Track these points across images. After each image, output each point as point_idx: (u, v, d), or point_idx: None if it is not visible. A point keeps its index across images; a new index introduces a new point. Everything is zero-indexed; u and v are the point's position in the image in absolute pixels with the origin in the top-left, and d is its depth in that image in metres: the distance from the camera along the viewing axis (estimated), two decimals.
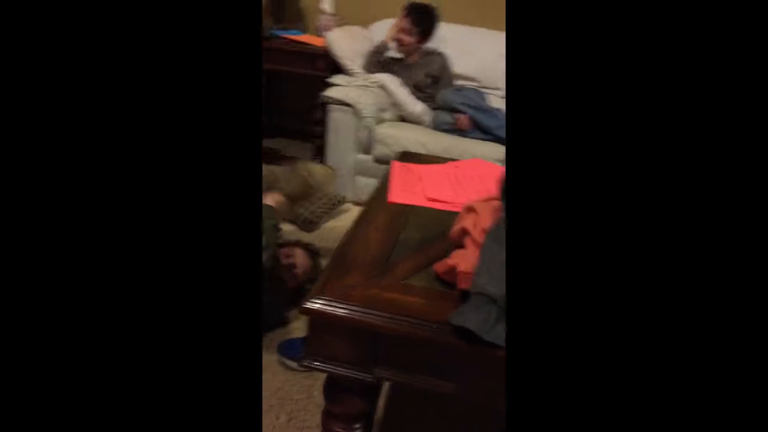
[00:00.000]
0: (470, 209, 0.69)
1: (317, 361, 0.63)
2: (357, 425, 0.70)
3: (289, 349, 1.09)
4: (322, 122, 2.11)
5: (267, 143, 2.52)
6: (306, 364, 0.63)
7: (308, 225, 1.72)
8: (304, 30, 2.42)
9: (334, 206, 1.82)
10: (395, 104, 1.96)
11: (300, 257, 1.27)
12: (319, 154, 2.22)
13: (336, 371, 0.62)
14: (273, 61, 2.13)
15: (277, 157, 2.35)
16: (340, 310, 0.58)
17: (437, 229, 0.77)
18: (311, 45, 2.09)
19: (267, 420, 0.93)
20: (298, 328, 1.21)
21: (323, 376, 1.08)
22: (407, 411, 1.01)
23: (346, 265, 0.68)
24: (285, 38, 2.13)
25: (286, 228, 1.70)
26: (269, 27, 2.30)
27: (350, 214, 1.88)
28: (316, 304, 0.59)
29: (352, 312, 0.58)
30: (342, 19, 2.29)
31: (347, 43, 2.02)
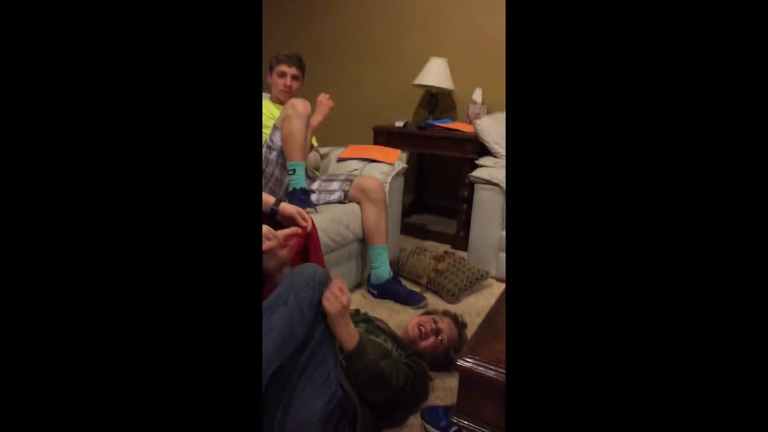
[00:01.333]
0: None
1: (465, 420, 0.66)
2: None
3: (432, 416, 1.12)
4: (467, 200, 2.23)
5: (415, 219, 2.73)
6: (455, 421, 0.67)
7: (451, 297, 1.78)
8: (454, 118, 2.67)
9: (477, 280, 1.86)
10: None
11: (447, 325, 1.32)
12: (464, 229, 2.32)
13: None
14: (427, 146, 2.37)
15: (423, 231, 2.52)
16: (490, 371, 0.62)
17: None
18: (461, 131, 2.29)
19: None
20: (440, 396, 1.24)
21: None
22: None
23: (496, 332, 0.72)
24: (438, 126, 2.38)
25: (431, 298, 1.79)
26: (425, 117, 2.60)
27: (492, 290, 1.89)
28: (468, 363, 0.64)
29: (502, 374, 0.62)
30: (490, 107, 2.48)
31: (494, 129, 2.16)
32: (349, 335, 0.99)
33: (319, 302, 0.96)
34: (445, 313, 1.39)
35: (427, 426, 1.11)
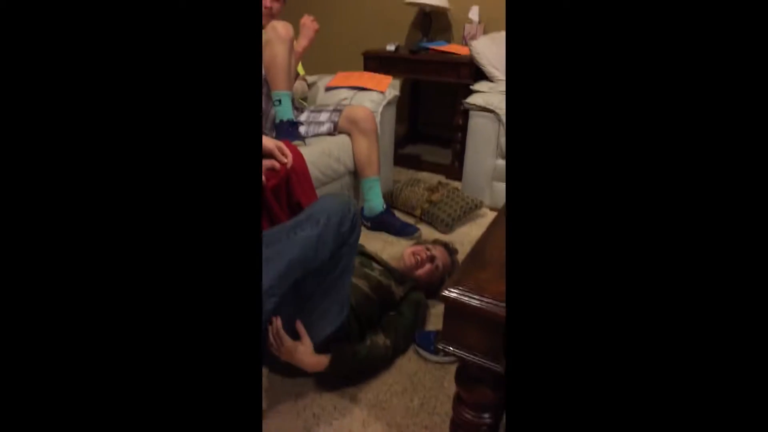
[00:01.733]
0: None
1: (451, 347, 0.68)
2: (486, 414, 0.74)
3: (424, 341, 1.17)
4: (463, 128, 2.17)
5: (409, 149, 2.68)
6: (440, 347, 0.69)
7: (445, 227, 1.79)
8: (449, 40, 2.51)
9: (470, 210, 1.86)
10: None
11: (440, 252, 1.34)
12: (458, 159, 2.27)
13: (467, 358, 0.67)
14: (420, 72, 2.25)
15: (417, 162, 2.48)
16: (474, 301, 0.63)
17: None
18: (456, 54, 2.16)
19: (402, 401, 1.02)
20: (432, 322, 1.28)
21: (454, 368, 1.12)
22: None
23: (482, 261, 0.72)
24: (432, 49, 2.25)
25: (425, 229, 1.80)
26: (418, 40, 2.45)
27: (486, 219, 1.89)
28: (452, 293, 0.64)
29: (486, 304, 0.62)
30: (487, 27, 2.32)
31: (491, 51, 2.04)
32: (314, 365, 0.99)
33: (347, 232, 0.98)
34: (436, 242, 1.41)
35: (418, 349, 1.16)
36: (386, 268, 1.25)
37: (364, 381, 1.06)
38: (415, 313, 1.19)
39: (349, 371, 1.03)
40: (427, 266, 1.29)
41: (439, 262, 1.32)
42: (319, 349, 1.00)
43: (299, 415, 0.98)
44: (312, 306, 0.99)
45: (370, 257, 1.28)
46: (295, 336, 0.99)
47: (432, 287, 1.31)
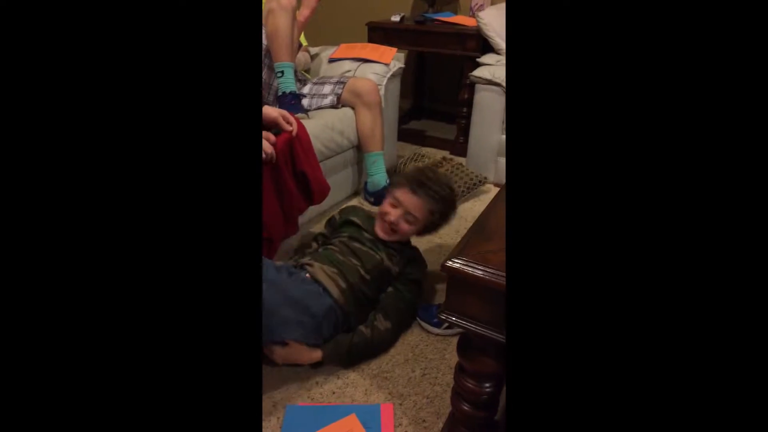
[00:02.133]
0: None
1: (453, 317, 0.68)
2: (488, 384, 0.75)
3: (426, 314, 1.17)
4: (468, 103, 2.13)
5: (413, 125, 2.64)
6: (443, 317, 0.69)
7: None
8: (456, 11, 2.44)
9: (475, 186, 1.84)
10: None
11: (405, 198, 1.17)
12: (463, 134, 2.24)
13: (470, 328, 0.67)
14: (425, 44, 2.20)
15: (421, 137, 2.45)
16: (478, 271, 0.63)
17: None
18: (463, 25, 2.11)
19: (404, 371, 1.03)
20: (432, 297, 1.29)
21: (455, 340, 1.13)
22: None
23: (486, 233, 0.72)
24: (437, 20, 2.19)
25: None
26: (424, 11, 2.38)
27: (490, 195, 1.88)
28: (456, 264, 0.64)
29: (489, 274, 0.62)
30: None
31: (499, 22, 1.98)
32: (309, 359, 1.02)
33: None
34: (399, 184, 1.19)
35: (421, 322, 1.17)
36: (376, 237, 1.17)
37: (367, 363, 1.07)
38: (412, 292, 1.16)
39: (349, 359, 1.03)
40: (404, 226, 1.15)
41: (411, 212, 1.14)
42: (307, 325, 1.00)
43: (303, 383, 0.99)
44: (270, 312, 0.94)
45: (359, 227, 1.21)
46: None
47: (428, 229, 1.20)
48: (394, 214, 1.15)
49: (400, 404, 0.95)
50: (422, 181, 1.14)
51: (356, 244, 1.16)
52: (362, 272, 1.10)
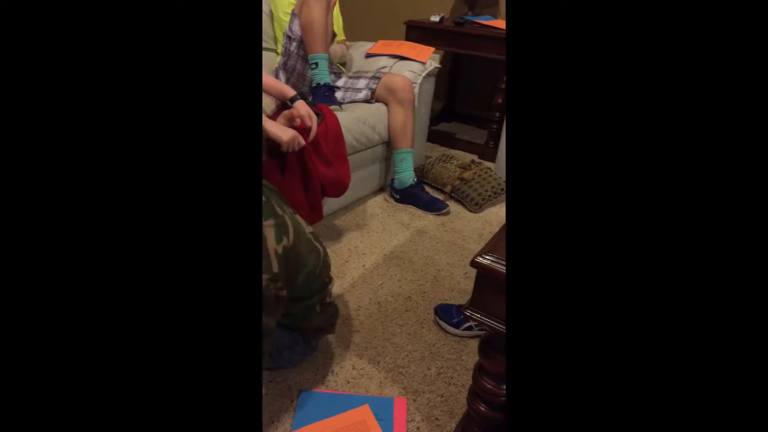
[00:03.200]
0: None
1: (478, 314, 0.68)
2: (506, 386, 0.74)
3: (445, 313, 1.17)
4: (501, 108, 2.11)
5: (443, 126, 2.63)
6: (468, 314, 0.69)
7: (474, 206, 1.76)
8: (495, 15, 2.42)
9: (501, 191, 1.82)
10: None
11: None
12: (494, 139, 2.22)
13: (494, 326, 0.66)
14: (462, 45, 2.19)
15: (451, 139, 2.44)
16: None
17: None
18: (501, 29, 2.09)
19: (419, 368, 1.03)
20: (454, 297, 1.28)
21: (472, 342, 1.12)
22: None
23: None
24: (476, 23, 2.17)
25: (453, 206, 1.78)
26: (463, 13, 2.37)
27: None
28: (486, 260, 0.63)
29: None
30: None
31: None
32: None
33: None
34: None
35: (439, 321, 1.16)
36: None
37: (383, 356, 1.06)
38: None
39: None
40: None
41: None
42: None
43: (318, 370, 1.00)
44: None
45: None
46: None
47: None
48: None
49: (414, 400, 0.95)
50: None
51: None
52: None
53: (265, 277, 0.76)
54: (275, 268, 0.76)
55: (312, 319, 0.92)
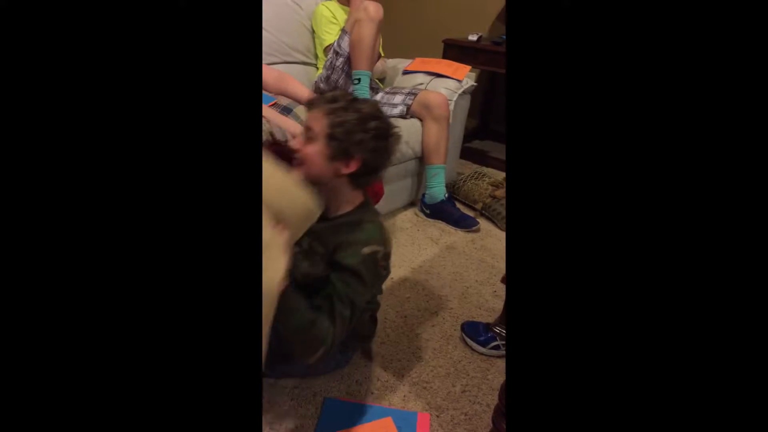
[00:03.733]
0: None
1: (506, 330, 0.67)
2: None
3: (472, 331, 1.15)
4: None
5: (476, 144, 2.63)
6: (497, 330, 0.68)
7: (505, 224, 1.75)
8: None
9: None
10: None
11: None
12: None
13: None
14: (500, 65, 2.20)
15: (483, 157, 2.43)
16: None
17: None
18: None
19: (444, 384, 1.02)
20: (481, 315, 1.27)
21: (500, 361, 1.10)
22: None
23: None
24: None
25: (484, 224, 1.77)
26: (502, 33, 2.39)
27: None
28: None
29: None
30: None
31: None
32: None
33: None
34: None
35: (467, 339, 1.15)
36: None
37: (408, 370, 1.06)
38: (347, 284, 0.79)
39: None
40: (305, 149, 0.80)
41: (311, 127, 0.80)
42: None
43: (343, 379, 1.01)
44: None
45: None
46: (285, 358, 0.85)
47: (339, 153, 0.79)
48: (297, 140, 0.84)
49: (437, 416, 0.94)
50: (324, 96, 0.83)
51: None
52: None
53: (379, 248, 0.79)
54: (389, 247, 0.82)
55: (363, 326, 0.94)
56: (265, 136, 1.08)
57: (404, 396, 0.98)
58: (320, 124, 0.78)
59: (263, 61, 1.59)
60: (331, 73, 1.70)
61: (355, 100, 0.81)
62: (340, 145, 0.77)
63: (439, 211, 1.76)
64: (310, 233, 0.78)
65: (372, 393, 0.98)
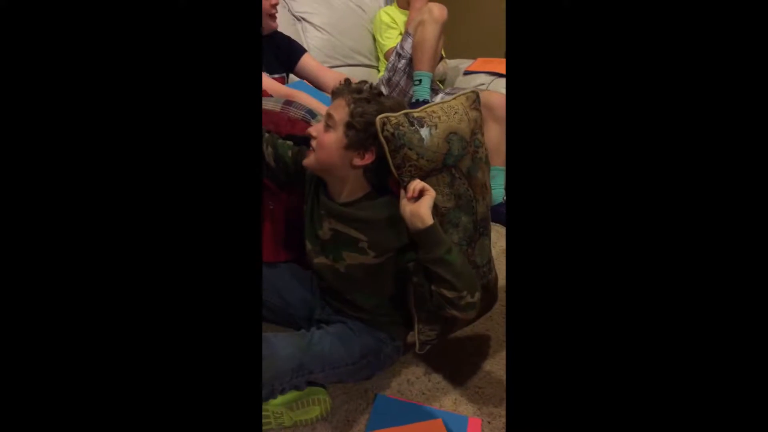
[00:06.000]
0: None
1: None
2: None
3: None
4: None
5: None
6: None
7: None
8: None
9: None
10: None
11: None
12: None
13: None
14: None
15: None
16: None
17: None
18: None
19: (497, 390, 1.00)
20: None
21: None
22: None
23: None
24: None
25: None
26: None
27: None
28: None
29: None
30: None
31: None
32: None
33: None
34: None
35: None
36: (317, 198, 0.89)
37: (459, 373, 1.05)
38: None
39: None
40: (322, 136, 0.80)
41: (332, 115, 0.80)
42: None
43: (395, 377, 1.02)
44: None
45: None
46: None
47: (356, 143, 0.79)
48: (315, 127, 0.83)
49: (489, 422, 0.92)
50: (349, 87, 0.82)
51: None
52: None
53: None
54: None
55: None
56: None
57: (456, 399, 0.97)
58: (342, 112, 0.79)
59: (325, 65, 1.64)
60: (393, 74, 1.72)
61: (380, 94, 0.82)
62: (357, 135, 0.78)
63: (495, 213, 1.72)
64: (329, 214, 0.85)
65: (423, 393, 0.98)
